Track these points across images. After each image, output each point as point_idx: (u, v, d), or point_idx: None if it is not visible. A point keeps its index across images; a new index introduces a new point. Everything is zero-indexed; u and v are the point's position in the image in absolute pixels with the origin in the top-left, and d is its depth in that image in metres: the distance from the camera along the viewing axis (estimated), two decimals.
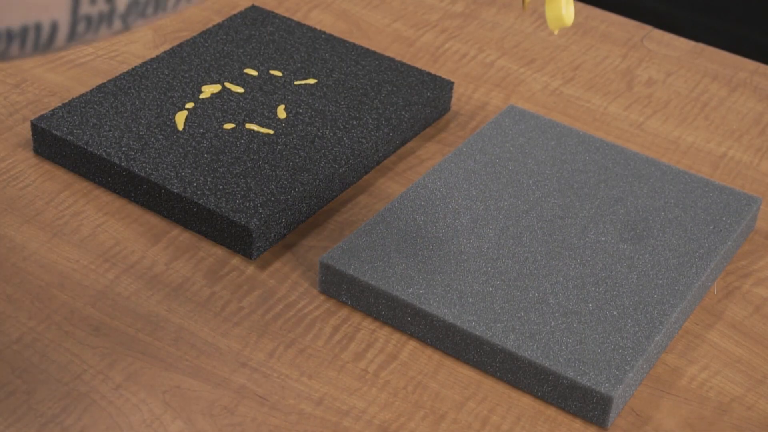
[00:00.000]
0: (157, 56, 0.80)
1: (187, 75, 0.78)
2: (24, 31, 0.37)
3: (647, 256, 0.66)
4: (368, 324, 0.64)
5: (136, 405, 0.58)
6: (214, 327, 0.63)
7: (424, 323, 0.62)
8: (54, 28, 0.37)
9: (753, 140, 0.81)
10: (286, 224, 0.69)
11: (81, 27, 0.38)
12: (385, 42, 0.89)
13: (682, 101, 0.84)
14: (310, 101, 0.76)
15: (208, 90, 0.77)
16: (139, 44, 0.85)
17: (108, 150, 0.71)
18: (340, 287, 0.64)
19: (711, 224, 0.69)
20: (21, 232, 0.68)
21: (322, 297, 0.65)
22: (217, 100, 0.76)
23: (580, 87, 0.85)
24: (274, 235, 0.68)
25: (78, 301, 0.64)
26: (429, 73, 0.80)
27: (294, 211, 0.69)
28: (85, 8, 0.37)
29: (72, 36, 0.38)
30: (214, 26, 0.83)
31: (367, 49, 0.82)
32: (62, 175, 0.73)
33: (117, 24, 0.39)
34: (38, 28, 0.37)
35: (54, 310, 0.63)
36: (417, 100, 0.77)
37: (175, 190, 0.68)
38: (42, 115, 0.73)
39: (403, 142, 0.77)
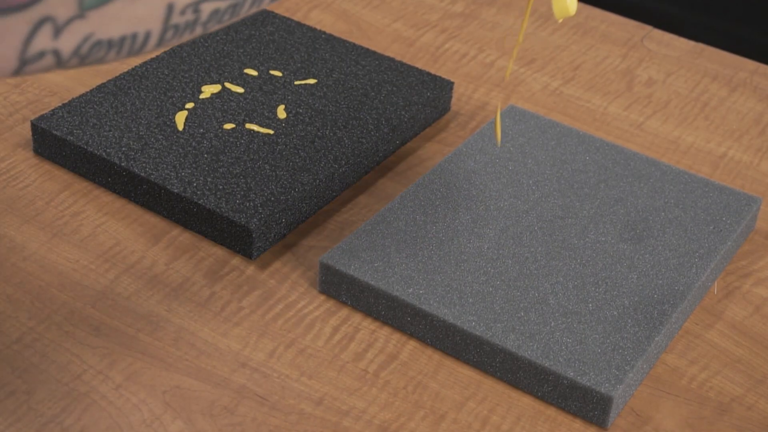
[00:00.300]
0: (157, 56, 0.80)
1: (187, 75, 0.78)
2: (122, 40, 0.41)
3: (647, 256, 0.66)
4: (368, 324, 0.64)
5: (136, 405, 0.58)
6: (214, 327, 0.63)
7: (424, 323, 0.62)
8: (147, 36, 0.42)
9: (753, 140, 0.81)
10: (286, 224, 0.69)
11: (169, 34, 0.42)
12: (385, 42, 0.89)
13: (682, 101, 0.84)
14: (310, 101, 0.76)
15: (208, 90, 0.77)
16: None
17: (108, 150, 0.71)
18: (340, 287, 0.64)
19: (711, 224, 0.69)
20: (21, 232, 0.68)
21: (322, 297, 0.65)
22: (217, 100, 0.76)
23: (580, 87, 0.85)
24: (274, 235, 0.68)
25: (78, 301, 0.64)
26: (429, 73, 0.80)
27: (294, 211, 0.69)
28: (175, 19, 0.42)
29: (160, 42, 0.43)
30: None
31: (367, 49, 0.82)
32: (62, 175, 0.73)
33: (198, 30, 0.43)
34: (134, 37, 0.41)
35: (54, 310, 0.63)
36: (417, 100, 0.77)
37: (175, 190, 0.68)
38: (42, 115, 0.73)
39: (403, 142, 0.77)
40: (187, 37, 0.43)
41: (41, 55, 0.40)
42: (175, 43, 0.43)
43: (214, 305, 0.64)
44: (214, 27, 0.44)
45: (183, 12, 0.42)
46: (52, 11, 0.38)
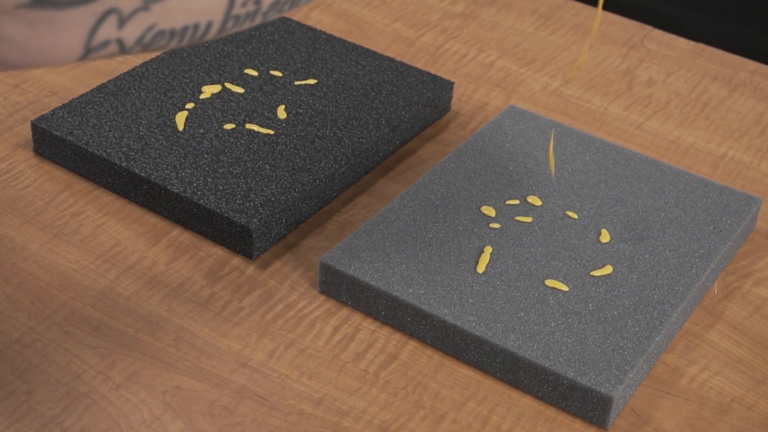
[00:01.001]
0: (157, 56, 0.80)
1: (187, 75, 0.78)
2: (184, 30, 0.42)
3: (647, 256, 0.66)
4: (368, 324, 0.64)
5: (136, 405, 0.58)
6: (214, 327, 0.63)
7: (424, 323, 0.62)
8: (208, 26, 0.43)
9: (753, 140, 0.81)
10: (286, 224, 0.69)
11: (230, 24, 0.43)
12: (385, 42, 0.89)
13: (682, 101, 0.84)
14: (310, 101, 0.76)
15: (208, 90, 0.77)
16: None
17: (108, 150, 0.71)
18: (340, 287, 0.64)
19: (711, 224, 0.69)
20: (21, 233, 0.68)
21: (322, 297, 0.65)
22: (217, 100, 0.76)
23: (580, 87, 0.85)
24: (274, 235, 0.68)
25: (78, 301, 0.64)
26: (429, 74, 0.80)
27: (294, 211, 0.69)
28: (237, 10, 0.43)
29: (221, 31, 0.44)
30: None
31: (367, 50, 0.82)
32: (62, 176, 0.73)
33: (258, 19, 0.44)
34: (196, 27, 0.43)
35: (54, 310, 0.63)
36: (417, 101, 0.77)
37: (176, 191, 0.68)
38: (42, 116, 0.73)
39: (403, 143, 0.77)
40: (247, 26, 0.44)
41: (106, 43, 0.41)
42: (235, 31, 0.44)
43: (214, 305, 0.64)
44: (274, 16, 0.45)
45: (245, 3, 0.43)
46: (118, 3, 0.40)
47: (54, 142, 0.72)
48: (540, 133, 0.75)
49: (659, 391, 0.61)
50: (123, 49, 0.42)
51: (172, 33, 0.42)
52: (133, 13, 0.40)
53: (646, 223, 0.69)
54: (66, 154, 0.72)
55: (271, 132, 0.73)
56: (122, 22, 0.40)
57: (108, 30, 0.40)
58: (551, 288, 0.63)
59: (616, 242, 0.67)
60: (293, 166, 0.71)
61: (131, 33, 0.41)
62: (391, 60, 0.81)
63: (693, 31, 1.81)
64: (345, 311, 0.65)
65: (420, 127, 0.78)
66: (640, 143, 0.80)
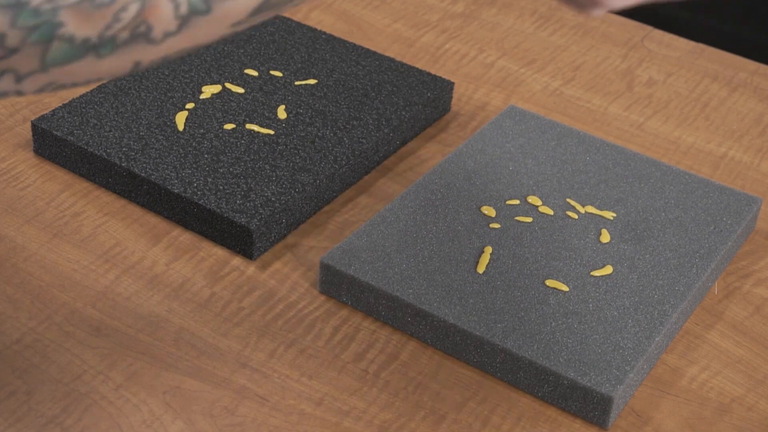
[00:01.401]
0: None
1: (187, 75, 0.78)
2: (86, 81, 0.45)
3: (647, 256, 0.66)
4: (368, 324, 0.64)
5: (136, 405, 0.58)
6: (214, 327, 0.63)
7: (424, 323, 0.62)
8: (112, 77, 0.45)
9: (753, 140, 0.81)
10: (286, 224, 0.69)
11: (135, 71, 0.46)
12: (385, 42, 0.89)
13: (682, 101, 0.84)
14: (310, 101, 0.76)
15: (209, 90, 0.77)
16: None
17: (108, 150, 0.71)
18: (341, 287, 0.64)
19: (711, 224, 0.69)
20: (21, 233, 0.68)
21: (322, 297, 0.65)
22: (218, 100, 0.76)
23: (581, 87, 0.85)
24: (275, 236, 0.68)
25: (78, 301, 0.64)
26: (429, 74, 0.80)
27: (294, 211, 0.69)
28: (142, 66, 0.45)
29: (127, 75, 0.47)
30: None
31: (368, 50, 0.82)
32: (62, 176, 0.73)
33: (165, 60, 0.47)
34: (99, 79, 0.45)
35: (54, 310, 0.63)
36: (417, 101, 0.77)
37: (176, 191, 0.68)
38: (42, 116, 0.73)
39: (404, 143, 0.77)
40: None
41: (4, 93, 0.43)
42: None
43: (215, 305, 0.64)
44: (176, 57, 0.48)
45: (151, 62, 0.45)
46: (14, 65, 0.41)
47: (54, 142, 0.72)
48: (540, 133, 0.75)
49: (659, 391, 0.61)
50: (22, 94, 0.44)
51: (74, 84, 0.44)
52: (31, 74, 0.42)
53: (647, 223, 0.69)
54: (66, 154, 0.72)
55: (271, 132, 0.73)
56: (19, 79, 0.42)
57: (6, 83, 0.42)
58: (551, 288, 0.63)
59: (616, 242, 0.67)
60: (293, 166, 0.71)
61: (30, 87, 0.43)
62: (391, 60, 0.81)
63: (693, 31, 1.81)
64: (345, 311, 0.65)
65: (420, 127, 0.78)
66: (640, 143, 0.80)
